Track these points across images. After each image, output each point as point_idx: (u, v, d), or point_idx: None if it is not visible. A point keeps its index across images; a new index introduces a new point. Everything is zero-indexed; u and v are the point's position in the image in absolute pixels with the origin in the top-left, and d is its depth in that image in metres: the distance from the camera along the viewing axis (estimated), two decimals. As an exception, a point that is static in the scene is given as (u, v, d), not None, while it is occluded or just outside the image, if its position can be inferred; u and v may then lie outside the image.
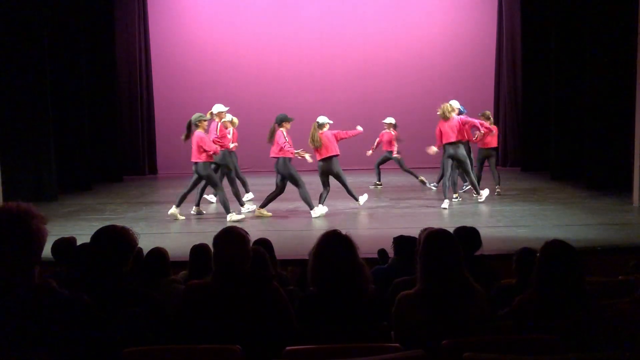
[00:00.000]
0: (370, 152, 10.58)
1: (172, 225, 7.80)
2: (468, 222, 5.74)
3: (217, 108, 8.41)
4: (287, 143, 7.89)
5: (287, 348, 2.43)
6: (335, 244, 2.87)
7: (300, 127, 12.70)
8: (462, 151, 8.45)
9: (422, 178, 10.44)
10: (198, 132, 7.77)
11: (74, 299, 2.01)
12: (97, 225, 6.10)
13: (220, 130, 8.28)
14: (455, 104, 8.73)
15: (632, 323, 2.49)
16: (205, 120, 7.89)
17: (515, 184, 10.76)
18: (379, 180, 10.86)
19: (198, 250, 3.89)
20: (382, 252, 4.81)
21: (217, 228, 2.90)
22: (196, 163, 7.78)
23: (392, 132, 10.52)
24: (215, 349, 2.41)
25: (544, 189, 10.15)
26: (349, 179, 8.71)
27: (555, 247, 2.76)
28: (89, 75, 11.50)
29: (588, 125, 10.12)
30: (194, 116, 7.91)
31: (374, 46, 13.82)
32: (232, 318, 2.63)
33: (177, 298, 3.03)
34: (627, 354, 2.28)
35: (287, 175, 8.00)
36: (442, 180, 8.87)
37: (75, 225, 7.60)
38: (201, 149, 7.70)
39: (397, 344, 2.52)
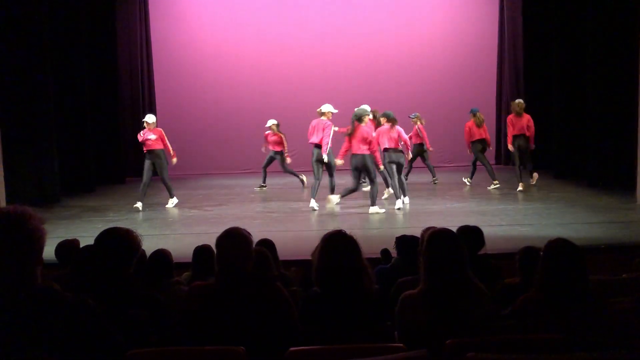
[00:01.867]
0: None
1: (174, 227, 7.81)
2: (471, 221, 5.72)
3: (327, 107, 8.86)
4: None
5: (291, 349, 2.43)
6: (339, 244, 2.86)
7: (303, 126, 12.69)
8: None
9: (303, 177, 10.78)
10: (363, 127, 8.03)
11: (77, 301, 2.02)
12: (100, 227, 6.09)
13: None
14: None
15: (636, 321, 2.49)
16: (367, 115, 8.18)
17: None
18: (264, 182, 11.05)
19: (201, 251, 3.90)
20: (385, 252, 4.81)
21: (219, 229, 2.90)
22: (356, 155, 8.04)
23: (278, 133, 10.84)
24: (218, 351, 2.41)
25: (546, 187, 10.13)
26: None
27: (559, 246, 2.75)
28: (91, 77, 11.52)
29: (591, 123, 10.10)
30: (359, 111, 8.15)
31: (376, 45, 13.81)
32: (235, 319, 2.63)
33: (180, 299, 3.03)
34: (631, 353, 2.27)
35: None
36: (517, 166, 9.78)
37: (78, 227, 7.62)
38: (365, 142, 7.99)
39: (401, 344, 2.51)
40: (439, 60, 13.83)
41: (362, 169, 8.17)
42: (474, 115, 10.42)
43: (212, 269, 2.87)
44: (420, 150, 10.94)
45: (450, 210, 8.29)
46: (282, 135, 10.84)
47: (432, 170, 11.15)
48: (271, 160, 10.94)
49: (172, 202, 9.20)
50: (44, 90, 9.79)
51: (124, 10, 13.29)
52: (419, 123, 10.84)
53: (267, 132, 10.93)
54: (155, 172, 8.99)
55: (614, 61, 9.63)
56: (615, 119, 9.70)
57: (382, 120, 8.85)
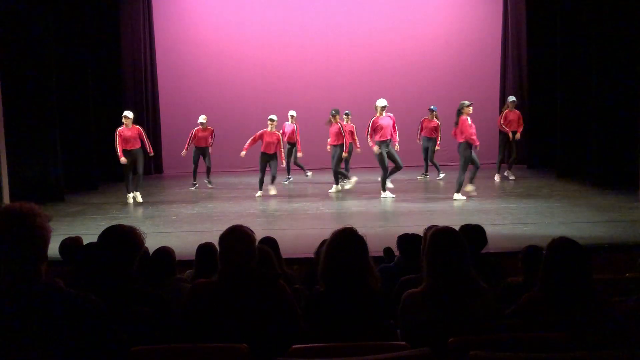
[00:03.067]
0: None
1: (177, 225, 7.82)
2: (474, 220, 5.74)
3: (381, 102, 9.33)
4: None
5: (294, 346, 2.43)
6: (351, 241, 2.85)
7: (306, 125, 12.74)
8: None
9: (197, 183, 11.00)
10: (463, 118, 8.72)
11: (81, 298, 2.02)
12: (103, 224, 6.10)
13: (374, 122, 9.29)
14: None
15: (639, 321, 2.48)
16: (469, 106, 8.82)
17: (521, 182, 10.73)
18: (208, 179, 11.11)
19: (204, 249, 3.90)
20: (387, 251, 4.81)
21: (222, 227, 2.90)
22: (461, 143, 8.77)
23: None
24: (222, 348, 2.41)
25: (550, 186, 10.12)
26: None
27: (562, 245, 2.74)
28: (95, 76, 11.53)
29: (594, 122, 10.08)
30: (462, 104, 8.87)
31: (379, 44, 13.79)
32: (238, 317, 2.63)
33: (183, 297, 3.03)
34: (634, 352, 2.27)
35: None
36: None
37: (82, 225, 7.65)
38: (461, 132, 8.71)
39: (404, 342, 2.51)
40: (442, 59, 13.80)
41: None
42: (433, 112, 11.23)
43: (215, 266, 2.87)
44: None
45: (453, 209, 8.28)
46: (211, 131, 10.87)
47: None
48: (198, 156, 10.92)
49: (136, 196, 9.50)
50: (48, 88, 9.81)
51: (127, 9, 13.30)
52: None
53: (197, 129, 10.86)
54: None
55: (618, 60, 9.60)
56: (618, 117, 9.67)
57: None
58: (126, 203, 9.38)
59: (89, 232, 6.50)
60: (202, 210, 8.76)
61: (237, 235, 2.78)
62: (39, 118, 9.74)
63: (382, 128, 9.15)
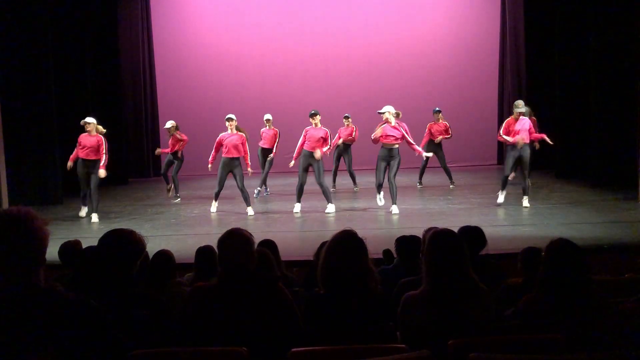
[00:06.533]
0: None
1: (177, 228, 7.82)
2: (473, 222, 5.73)
3: (387, 108, 8.42)
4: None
5: (293, 349, 2.43)
6: (350, 244, 2.85)
7: (303, 126, 12.76)
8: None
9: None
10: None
11: (80, 302, 2.02)
12: (102, 228, 6.09)
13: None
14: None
15: (639, 322, 2.48)
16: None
17: (520, 183, 10.72)
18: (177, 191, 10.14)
19: (203, 252, 3.89)
20: (387, 253, 4.81)
21: (221, 230, 2.90)
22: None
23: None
24: (221, 351, 2.41)
25: (549, 187, 10.12)
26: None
27: (561, 246, 2.75)
28: (93, 79, 11.54)
29: (593, 122, 10.09)
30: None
31: (378, 44, 13.81)
32: (237, 320, 2.63)
33: (182, 300, 3.03)
34: (633, 353, 2.27)
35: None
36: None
37: (81, 229, 7.64)
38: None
39: (403, 345, 2.51)
40: (441, 60, 13.82)
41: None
42: (439, 113, 10.69)
43: (214, 269, 2.87)
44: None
45: (452, 211, 8.28)
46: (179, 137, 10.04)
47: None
48: (170, 163, 10.11)
49: (92, 217, 8.27)
50: (46, 91, 9.82)
51: (125, 10, 13.32)
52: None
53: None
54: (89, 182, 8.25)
55: (616, 60, 9.61)
56: (617, 118, 9.69)
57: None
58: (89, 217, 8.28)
59: (89, 235, 6.50)
60: (201, 213, 8.76)
61: (236, 238, 2.78)
62: (37, 122, 9.75)
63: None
